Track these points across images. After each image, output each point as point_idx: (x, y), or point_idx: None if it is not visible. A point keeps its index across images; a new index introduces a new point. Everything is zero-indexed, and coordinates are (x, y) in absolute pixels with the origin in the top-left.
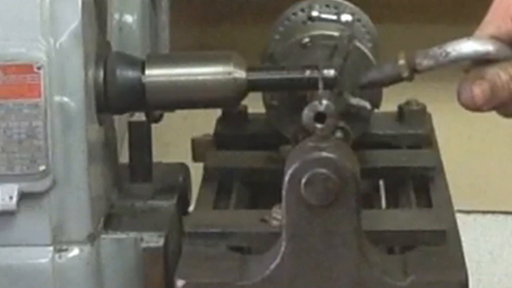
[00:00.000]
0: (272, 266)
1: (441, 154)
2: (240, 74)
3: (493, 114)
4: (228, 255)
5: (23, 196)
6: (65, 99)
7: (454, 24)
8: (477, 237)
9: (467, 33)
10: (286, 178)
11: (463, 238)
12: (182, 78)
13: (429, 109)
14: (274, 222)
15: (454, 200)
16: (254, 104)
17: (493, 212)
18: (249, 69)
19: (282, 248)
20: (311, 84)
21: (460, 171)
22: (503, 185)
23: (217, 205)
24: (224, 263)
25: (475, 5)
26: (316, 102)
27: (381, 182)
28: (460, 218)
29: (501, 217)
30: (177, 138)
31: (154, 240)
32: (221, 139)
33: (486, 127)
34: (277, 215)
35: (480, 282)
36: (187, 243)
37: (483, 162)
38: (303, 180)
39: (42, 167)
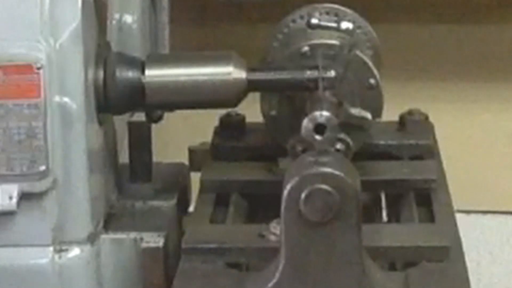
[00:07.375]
0: (270, 284)
1: (441, 154)
2: (240, 74)
3: (493, 114)
4: (225, 272)
5: (23, 196)
6: (65, 99)
7: (454, 24)
8: (477, 237)
9: (467, 33)
10: (285, 193)
11: (463, 238)
12: (182, 78)
13: (429, 108)
14: (272, 238)
15: (454, 200)
16: (252, 113)
17: (493, 212)
18: (249, 69)
19: (280, 266)
20: (311, 84)
21: (460, 171)
22: (503, 185)
23: (214, 218)
24: (221, 280)
25: (475, 5)
26: (316, 113)
27: (382, 195)
28: (460, 218)
29: (501, 217)
30: (177, 138)
31: (154, 240)
32: (218, 150)
33: (486, 127)
34: (276, 230)
35: (480, 282)
36: (183, 259)
37: (483, 162)
38: (303, 196)
39: (42, 167)
